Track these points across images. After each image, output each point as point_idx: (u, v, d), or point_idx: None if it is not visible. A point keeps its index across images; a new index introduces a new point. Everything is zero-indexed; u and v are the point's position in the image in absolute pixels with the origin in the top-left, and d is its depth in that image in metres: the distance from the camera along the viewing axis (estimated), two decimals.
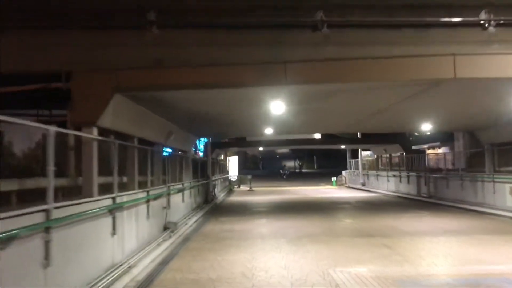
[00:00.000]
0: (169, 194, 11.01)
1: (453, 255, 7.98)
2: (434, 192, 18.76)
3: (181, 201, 13.05)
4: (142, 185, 8.92)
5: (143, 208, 8.61)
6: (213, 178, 22.81)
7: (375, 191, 26.29)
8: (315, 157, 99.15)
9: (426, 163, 24.77)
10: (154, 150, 10.39)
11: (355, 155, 39.38)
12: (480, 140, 15.31)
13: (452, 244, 9.07)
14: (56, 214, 4.67)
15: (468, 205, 15.21)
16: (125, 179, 8.36)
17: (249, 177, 32.76)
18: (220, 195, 24.29)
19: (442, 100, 8.92)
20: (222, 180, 28.66)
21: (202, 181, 18.29)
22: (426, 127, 13.57)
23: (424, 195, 19.50)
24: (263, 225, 12.71)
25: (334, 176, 38.73)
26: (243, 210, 17.39)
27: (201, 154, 30.03)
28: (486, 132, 14.45)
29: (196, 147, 29.06)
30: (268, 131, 14.58)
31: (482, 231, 10.81)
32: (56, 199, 5.11)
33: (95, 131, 6.32)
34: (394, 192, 23.31)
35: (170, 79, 6.99)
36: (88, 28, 6.79)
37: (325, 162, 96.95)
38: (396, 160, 25.26)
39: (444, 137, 34.15)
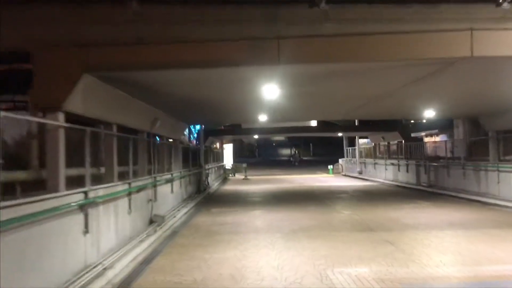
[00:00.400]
0: (155, 186, 10.27)
1: (463, 252, 7.31)
2: (435, 181, 18.14)
3: (170, 192, 12.32)
4: (123, 176, 8.15)
5: (123, 201, 7.86)
6: (207, 167, 22.08)
7: (372, 179, 25.68)
8: (311, 144, 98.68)
9: (426, 152, 24.19)
10: (138, 138, 9.60)
11: (352, 143, 38.74)
12: (484, 127, 14.62)
13: (459, 239, 8.41)
14: (4, 215, 3.91)
15: (470, 195, 14.59)
16: (104, 170, 7.59)
17: (244, 165, 32.06)
18: (214, 184, 23.60)
19: (452, 84, 8.16)
20: (216, 168, 27.95)
21: (194, 171, 17.55)
22: (430, 114, 12.83)
23: (424, 184, 18.88)
24: (256, 217, 12.03)
25: (330, 164, 38.14)
26: (236, 201, 16.71)
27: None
28: (491, 119, 13.75)
29: (191, 135, 28.29)
30: (263, 118, 13.78)
31: (490, 224, 10.17)
32: (12, 196, 4.39)
33: (61, 116, 5.52)
34: (392, 181, 22.70)
35: (150, 57, 6.17)
36: (55, 1, 5.95)
37: (322, 150, 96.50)
38: (394, 148, 24.58)
39: (442, 124, 33.47)
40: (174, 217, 11.31)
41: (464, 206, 13.24)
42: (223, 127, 28.58)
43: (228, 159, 35.95)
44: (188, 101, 9.77)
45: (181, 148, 14.64)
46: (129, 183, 8.12)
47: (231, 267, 6.70)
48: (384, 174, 24.07)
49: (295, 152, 58.84)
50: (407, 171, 20.92)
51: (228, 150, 36.70)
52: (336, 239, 8.58)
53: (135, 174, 9.31)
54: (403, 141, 22.63)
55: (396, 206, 13.71)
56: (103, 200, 6.69)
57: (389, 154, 24.54)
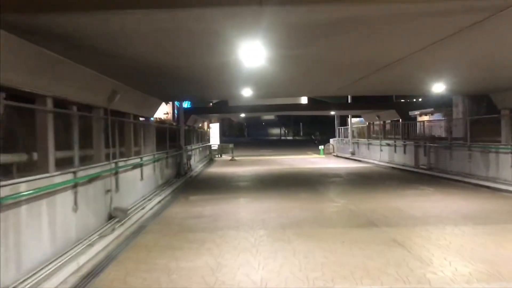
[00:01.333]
0: (117, 173, 8.59)
1: (495, 260, 5.82)
2: (435, 163, 16.75)
3: (139, 178, 10.65)
4: (66, 164, 6.44)
5: (66, 196, 6.19)
6: (189, 148, 20.39)
7: (366, 161, 24.30)
8: (301, 124, 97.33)
9: (424, 131, 22.80)
10: (92, 116, 7.84)
11: (343, 122, 37.27)
12: (497, 104, 13.09)
13: (483, 239, 6.92)
14: None
15: (477, 180, 13.21)
16: (37, 156, 5.86)
17: (231, 145, 30.40)
18: (197, 166, 21.96)
19: (480, 47, 6.50)
20: (201, 149, 26.27)
21: (173, 153, 15.86)
22: (438, 89, 11.22)
23: (423, 166, 17.49)
24: (240, 207, 10.47)
25: (321, 144, 36.71)
26: (219, 186, 15.12)
27: None
28: (506, 95, 12.22)
29: (176, 113, 26.38)
30: (248, 92, 12.00)
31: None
32: None
33: None
34: (387, 162, 21.31)
35: None
36: None
37: (312, 129, 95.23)
38: (390, 127, 23.11)
39: (439, 103, 32.10)
40: (143, 208, 9.68)
41: (473, 193, 11.84)
42: (211, 105, 26.79)
43: (214, 139, 34.23)
44: (153, 70, 7.96)
45: (154, 127, 12.88)
46: (74, 172, 6.42)
47: (200, 282, 5.13)
48: (379, 155, 22.67)
49: (316, 133, 60.19)
50: (404, 152, 19.50)
51: (214, 130, 34.93)
52: (334, 239, 7.05)
53: (88, 160, 7.61)
54: (400, 120, 21.12)
55: (397, 193, 12.26)
56: (27, 198, 5.02)
57: (384, 133, 23.08)
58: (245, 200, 11.61)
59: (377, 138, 23.68)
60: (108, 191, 7.97)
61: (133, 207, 9.43)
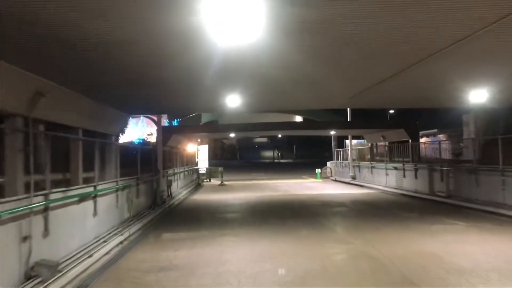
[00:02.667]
0: (46, 209, 6.04)
1: None
2: (456, 190, 14.37)
3: (91, 214, 8.08)
4: None
5: None
6: (171, 172, 17.85)
7: (369, 186, 21.88)
8: (294, 146, 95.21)
9: (429, 153, 20.67)
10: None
11: (340, 144, 35.11)
12: None
13: None
14: None
15: None
16: None
17: (220, 169, 27.86)
18: (181, 193, 19.34)
19: None
20: (186, 173, 23.70)
21: (148, 178, 13.32)
22: (477, 98, 8.91)
23: (441, 194, 15.10)
24: (223, 252, 7.91)
25: (315, 168, 34.31)
26: (202, 218, 12.54)
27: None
28: None
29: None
30: (234, 101, 9.49)
31: None
32: None
33: None
34: (395, 188, 18.91)
35: None
36: None
37: (306, 152, 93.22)
38: (392, 149, 20.81)
39: (444, 123, 30.13)
40: (90, 256, 7.07)
41: None
42: (200, 124, 24.29)
43: (203, 162, 31.67)
44: (99, 60, 5.59)
45: (116, 147, 10.35)
46: None
47: None
48: (385, 179, 20.28)
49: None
50: (416, 176, 17.13)
51: (203, 152, 32.40)
52: None
53: None
54: (410, 140, 18.84)
55: (422, 229, 9.80)
56: None
57: (390, 156, 20.76)
58: (232, 240, 9.06)
59: (382, 161, 21.33)
60: (25, 238, 5.41)
61: (74, 256, 6.84)
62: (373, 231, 9.75)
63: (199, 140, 34.39)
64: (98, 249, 7.56)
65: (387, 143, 20.91)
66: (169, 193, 16.53)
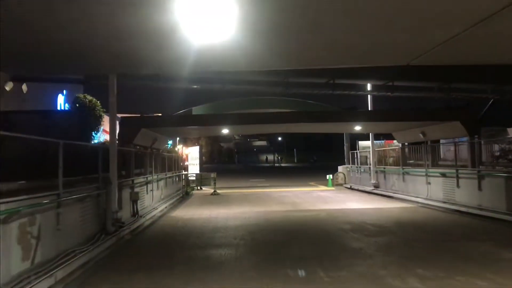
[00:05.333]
0: None
1: None
2: None
3: None
4: None
5: None
6: (141, 181, 13.05)
7: (401, 198, 17.11)
8: (295, 150, 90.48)
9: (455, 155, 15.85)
10: None
11: (353, 144, 30.38)
12: None
13: None
14: None
15: None
16: None
17: (213, 175, 23.03)
18: (158, 208, 14.51)
19: None
20: (170, 180, 18.86)
21: (89, 193, 8.51)
22: None
23: None
24: None
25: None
26: (175, 262, 7.68)
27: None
28: None
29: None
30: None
31: None
32: None
33: None
34: (443, 201, 14.13)
35: None
36: None
37: (307, 156, 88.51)
38: (409, 150, 15.99)
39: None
40: None
41: None
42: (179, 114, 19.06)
43: (193, 167, 26.86)
44: None
45: None
46: None
47: None
48: (426, 189, 15.49)
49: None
50: (480, 187, 12.34)
51: (193, 155, 27.60)
52: None
53: None
54: (468, 137, 13.97)
55: None
56: None
57: (433, 159, 15.93)
58: None
59: (421, 166, 16.48)
60: None
61: None
62: None
63: (197, 142, 29.62)
64: None
65: (427, 142, 16.10)
66: (135, 210, 11.70)
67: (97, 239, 8.40)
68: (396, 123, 15.49)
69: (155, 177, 15.36)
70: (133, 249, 8.85)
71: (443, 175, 14.35)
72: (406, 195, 17.02)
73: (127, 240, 9.54)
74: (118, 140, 12.19)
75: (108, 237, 8.82)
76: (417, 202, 15.55)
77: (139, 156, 13.83)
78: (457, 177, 13.52)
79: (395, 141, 33.29)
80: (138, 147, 13.78)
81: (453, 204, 13.53)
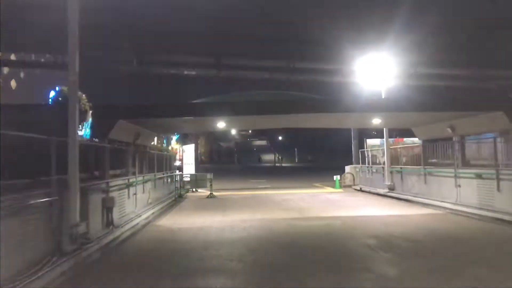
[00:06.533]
0: None
1: None
2: None
3: None
4: None
5: None
6: (120, 183, 10.87)
7: (423, 202, 14.93)
8: (296, 149, 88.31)
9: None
10: None
11: (361, 142, 28.30)
12: None
13: None
14: None
15: None
16: None
17: (209, 176, 20.84)
18: (141, 215, 12.33)
19: None
20: (160, 182, 16.69)
21: (32, 201, 6.32)
22: None
23: None
24: None
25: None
26: None
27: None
28: None
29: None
30: None
31: None
32: None
33: None
34: (479, 208, 11.97)
35: None
36: None
37: (308, 155, 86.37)
38: (473, 146, 13.81)
39: None
40: None
41: None
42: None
43: (188, 166, 24.67)
44: None
45: None
46: None
47: None
48: (455, 193, 13.31)
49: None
50: None
51: (188, 154, 25.41)
52: None
53: None
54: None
55: None
56: None
57: (463, 157, 13.74)
58: None
59: (446, 165, 14.29)
60: None
61: None
62: None
63: (195, 140, 27.47)
64: None
65: (456, 138, 13.92)
66: (109, 220, 9.52)
67: (44, 264, 6.23)
68: (419, 115, 13.28)
69: (140, 178, 13.19)
70: (96, 275, 6.67)
71: (479, 176, 12.17)
72: (428, 199, 14.83)
73: (92, 261, 7.36)
74: (91, 133, 10.04)
75: (63, 260, 6.65)
76: (444, 208, 13.38)
77: (119, 154, 11.65)
78: (498, 179, 11.34)
79: (405, 139, 31.26)
80: (116, 142, 11.58)
81: (492, 211, 11.35)
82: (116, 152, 11.48)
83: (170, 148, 26.03)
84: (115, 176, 11.20)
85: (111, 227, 9.47)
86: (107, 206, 9.47)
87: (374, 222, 11.32)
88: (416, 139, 32.70)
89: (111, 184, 10.05)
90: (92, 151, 9.94)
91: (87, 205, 8.24)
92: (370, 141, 32.25)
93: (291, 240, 9.13)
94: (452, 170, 13.51)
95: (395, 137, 27.50)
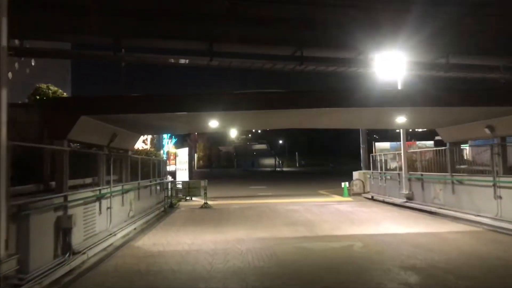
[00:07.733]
0: None
1: None
2: None
3: None
4: None
5: None
6: (84, 196, 8.67)
7: (452, 215, 12.75)
8: (297, 153, 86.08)
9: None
10: None
11: (369, 146, 26.22)
12: None
13: None
14: None
15: None
16: None
17: (203, 183, 18.65)
18: (117, 233, 10.13)
19: None
20: (146, 191, 14.50)
21: None
22: None
23: None
24: None
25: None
26: None
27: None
28: None
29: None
30: None
31: None
32: None
33: None
34: None
35: None
36: None
37: (309, 159, 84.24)
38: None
39: None
40: None
41: None
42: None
43: (181, 172, 22.48)
44: None
45: None
46: None
47: None
48: (495, 206, 11.13)
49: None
50: None
51: (182, 158, 23.21)
52: None
53: None
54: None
55: None
56: None
57: (504, 162, 11.55)
58: None
59: (480, 172, 12.11)
60: None
61: None
62: None
63: (194, 146, 25.26)
64: None
65: (496, 139, 11.71)
66: (67, 245, 7.32)
67: None
68: (449, 113, 11.04)
69: (117, 188, 11.01)
70: None
71: None
72: (458, 211, 12.65)
73: None
74: (48, 133, 7.91)
75: None
76: (481, 223, 11.19)
77: (89, 160, 9.46)
78: None
79: (417, 142, 29.06)
80: (79, 145, 9.41)
81: None
82: (84, 157, 9.29)
83: (166, 152, 23.85)
84: (82, 186, 9.03)
85: (68, 254, 7.29)
86: (63, 227, 7.29)
87: (403, 243, 9.11)
88: (428, 143, 30.58)
89: (72, 198, 7.85)
90: (47, 157, 7.77)
91: (27, 229, 6.06)
92: (379, 145, 30.04)
93: (302, 274, 6.92)
94: (491, 178, 11.33)
95: (407, 140, 25.33)
